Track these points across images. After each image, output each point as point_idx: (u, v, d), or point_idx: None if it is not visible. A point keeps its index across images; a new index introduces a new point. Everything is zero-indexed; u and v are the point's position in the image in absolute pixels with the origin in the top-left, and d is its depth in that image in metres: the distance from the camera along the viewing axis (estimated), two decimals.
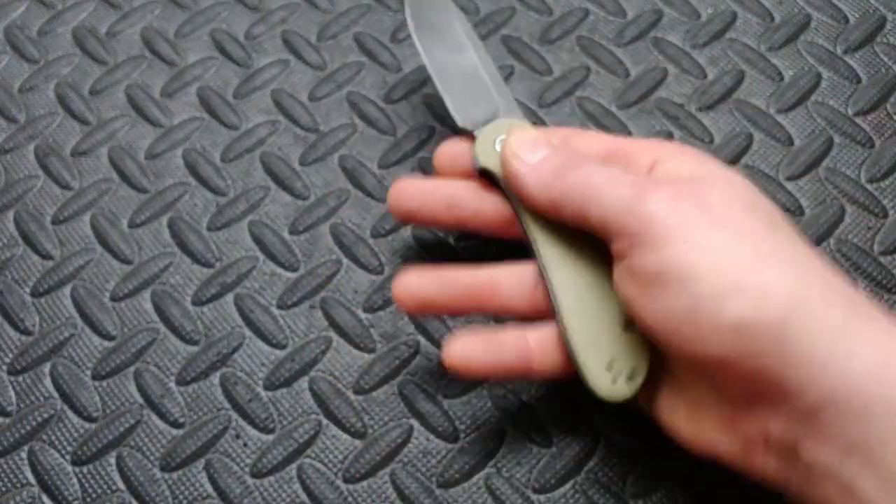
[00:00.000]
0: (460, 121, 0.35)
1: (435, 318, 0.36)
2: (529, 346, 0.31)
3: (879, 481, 0.24)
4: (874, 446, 0.24)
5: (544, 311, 0.32)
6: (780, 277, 0.26)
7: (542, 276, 0.32)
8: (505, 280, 0.32)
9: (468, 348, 0.31)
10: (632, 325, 0.30)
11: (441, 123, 0.40)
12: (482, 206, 0.34)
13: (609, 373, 0.30)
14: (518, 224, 0.33)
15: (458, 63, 0.37)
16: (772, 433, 0.26)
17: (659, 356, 0.30)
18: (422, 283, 0.32)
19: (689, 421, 0.29)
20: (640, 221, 0.28)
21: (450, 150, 0.35)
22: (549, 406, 0.34)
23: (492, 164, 0.33)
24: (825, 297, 0.26)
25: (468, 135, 0.34)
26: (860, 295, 0.27)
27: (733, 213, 0.28)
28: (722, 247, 0.27)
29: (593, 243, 0.31)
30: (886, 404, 0.24)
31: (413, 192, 0.34)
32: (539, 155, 0.31)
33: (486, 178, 0.34)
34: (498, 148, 0.33)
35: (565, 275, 0.31)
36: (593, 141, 0.33)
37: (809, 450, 0.26)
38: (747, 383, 0.26)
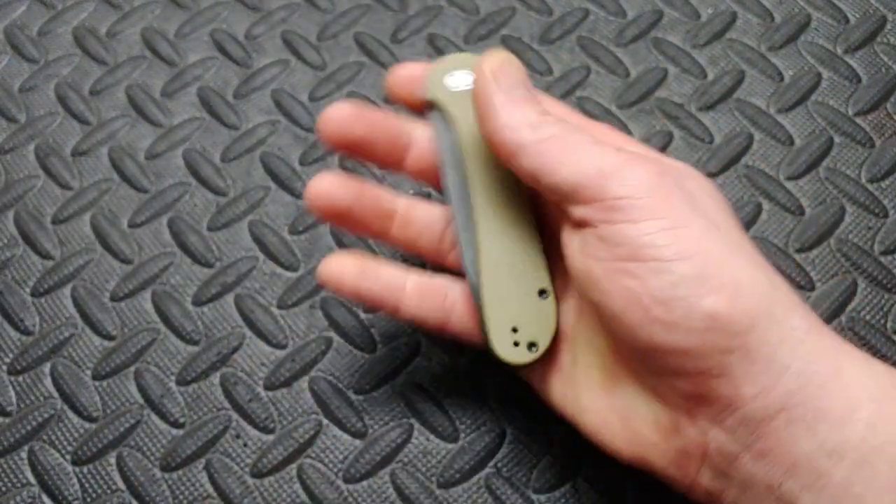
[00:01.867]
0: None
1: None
2: (405, 286, 0.31)
3: (822, 501, 0.24)
4: (820, 461, 0.24)
5: (445, 262, 0.32)
6: (754, 275, 0.26)
7: (458, 227, 0.31)
8: (420, 216, 0.32)
9: (344, 271, 0.31)
10: (545, 293, 0.30)
11: None
12: (419, 153, 0.32)
13: (512, 335, 0.30)
14: (444, 169, 0.31)
15: None
16: (711, 444, 0.25)
17: (593, 350, 0.29)
18: (339, 191, 0.31)
19: (622, 427, 0.28)
20: (624, 188, 0.26)
21: (403, 72, 0.32)
22: (550, 406, 0.34)
23: (440, 95, 0.31)
24: (789, 303, 0.26)
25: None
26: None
27: (708, 203, 0.27)
28: (703, 234, 0.26)
29: (527, 206, 0.30)
30: (837, 414, 0.24)
31: (348, 113, 0.31)
32: (518, 92, 0.29)
33: (429, 109, 0.31)
34: (448, 83, 0.31)
35: (491, 230, 0.30)
36: (565, 114, 0.31)
37: (749, 465, 0.25)
38: (700, 382, 0.25)
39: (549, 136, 0.27)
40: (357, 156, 0.32)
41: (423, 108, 0.32)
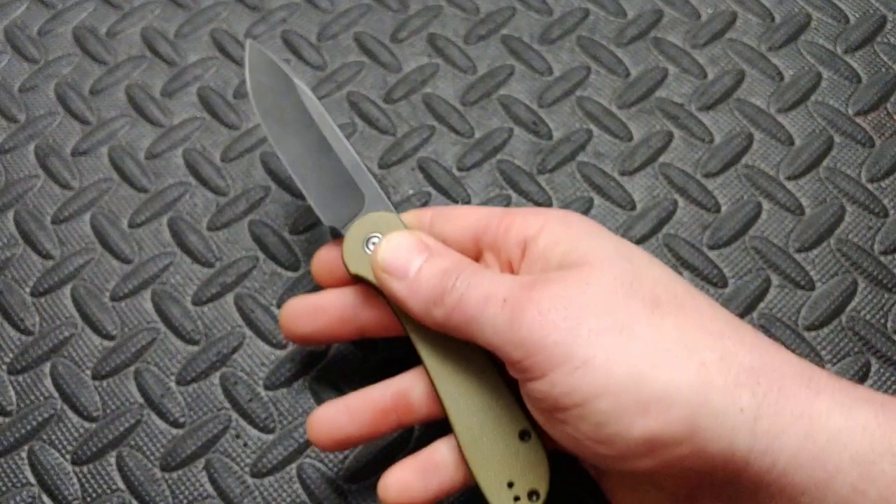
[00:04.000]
0: (325, 220, 0.32)
1: None
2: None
3: None
4: None
5: None
6: (676, 379, 0.24)
7: (433, 385, 0.30)
8: (416, 390, 0.30)
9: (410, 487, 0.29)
10: (528, 434, 0.29)
11: (440, 122, 0.40)
12: (379, 310, 0.31)
13: (510, 491, 0.28)
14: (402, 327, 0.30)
15: (316, 153, 0.33)
16: None
17: None
18: (334, 417, 0.30)
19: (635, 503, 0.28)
20: (519, 349, 0.26)
21: (325, 258, 0.33)
22: None
23: (363, 270, 0.30)
24: (729, 383, 0.24)
25: (338, 235, 0.32)
26: (773, 352, 0.26)
27: (614, 304, 0.26)
28: (610, 355, 0.25)
29: (479, 351, 0.29)
30: (817, 485, 0.24)
31: (303, 313, 0.32)
32: (413, 266, 0.29)
33: (362, 282, 0.31)
34: (368, 250, 0.31)
35: (453, 385, 0.29)
36: (461, 220, 0.31)
37: None
38: (680, 482, 0.26)
39: (450, 308, 0.28)
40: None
41: (356, 282, 0.31)
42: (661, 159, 0.39)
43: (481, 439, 0.29)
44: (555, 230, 0.29)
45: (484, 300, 0.27)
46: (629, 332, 0.25)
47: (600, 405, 0.25)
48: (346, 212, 0.32)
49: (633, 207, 0.38)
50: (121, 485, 0.33)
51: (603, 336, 0.25)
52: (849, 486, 0.23)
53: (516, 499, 0.28)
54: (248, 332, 0.36)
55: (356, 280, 0.31)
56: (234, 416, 0.34)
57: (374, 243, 0.31)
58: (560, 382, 0.25)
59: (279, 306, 0.36)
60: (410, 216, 0.32)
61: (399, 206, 0.38)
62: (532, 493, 0.29)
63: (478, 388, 0.29)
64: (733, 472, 0.24)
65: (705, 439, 0.24)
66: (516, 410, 0.29)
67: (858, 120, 0.39)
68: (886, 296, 0.35)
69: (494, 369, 0.29)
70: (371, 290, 0.31)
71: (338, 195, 0.32)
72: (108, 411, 0.34)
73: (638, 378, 0.25)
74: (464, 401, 0.29)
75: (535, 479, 0.29)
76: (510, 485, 0.28)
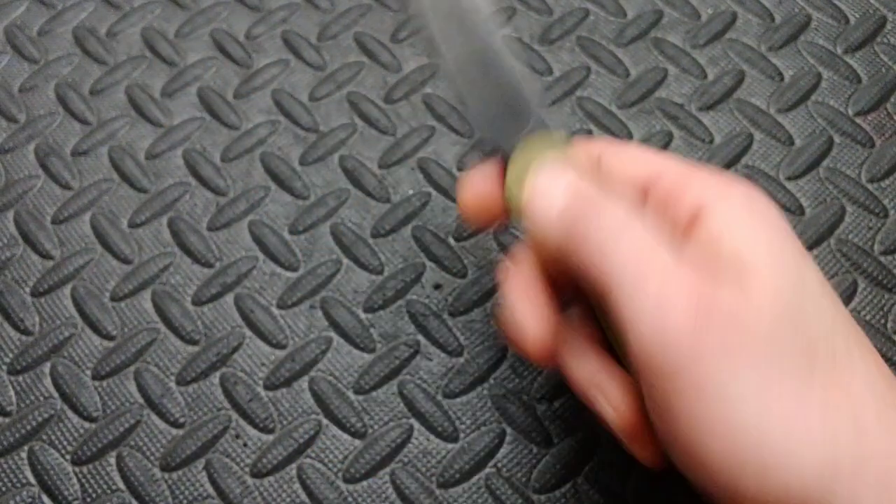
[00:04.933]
0: (490, 139, 0.28)
1: (435, 318, 0.36)
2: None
3: None
4: None
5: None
6: (815, 444, 0.22)
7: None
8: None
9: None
10: None
11: (440, 122, 0.40)
12: None
13: None
14: None
15: (484, 61, 0.29)
16: None
17: None
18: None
19: None
20: (661, 352, 0.23)
21: (477, 186, 0.29)
22: (550, 406, 0.34)
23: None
24: (856, 470, 0.22)
25: (497, 156, 0.28)
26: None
27: (773, 336, 0.23)
28: (758, 394, 0.22)
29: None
30: None
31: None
32: (557, 204, 0.26)
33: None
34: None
35: None
36: (631, 163, 0.27)
37: None
38: None
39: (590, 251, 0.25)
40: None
41: (509, 220, 0.28)
42: None
43: None
44: (735, 214, 0.25)
45: (636, 264, 0.24)
46: (783, 377, 0.23)
47: (742, 441, 0.23)
48: (510, 130, 0.28)
49: None
50: (121, 485, 0.33)
51: (755, 370, 0.23)
52: None
53: None
54: (248, 333, 0.36)
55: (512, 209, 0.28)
56: (234, 416, 0.34)
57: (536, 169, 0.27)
58: (705, 404, 0.23)
59: (279, 306, 0.36)
60: (578, 147, 0.29)
61: (399, 206, 0.38)
62: None
63: None
64: None
65: None
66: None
67: (858, 120, 0.39)
68: (886, 296, 0.35)
69: None
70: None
71: (505, 112, 0.28)
72: (108, 411, 0.34)
73: (781, 430, 0.23)
74: None
75: None
76: None
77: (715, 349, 0.23)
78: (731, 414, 0.22)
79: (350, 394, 0.34)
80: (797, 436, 0.22)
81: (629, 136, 0.39)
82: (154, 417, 0.34)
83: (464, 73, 0.29)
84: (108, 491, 0.33)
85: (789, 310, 0.23)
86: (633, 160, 0.28)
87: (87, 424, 0.34)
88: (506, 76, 0.29)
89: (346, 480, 0.33)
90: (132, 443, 0.34)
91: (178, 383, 0.35)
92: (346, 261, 0.37)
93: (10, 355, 0.35)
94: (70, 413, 0.34)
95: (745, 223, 0.24)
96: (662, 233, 0.25)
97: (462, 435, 0.33)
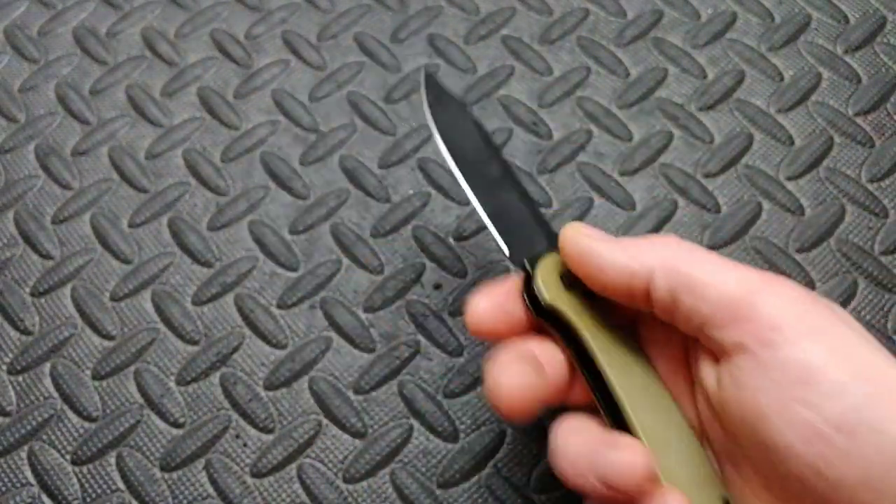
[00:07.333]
0: (516, 256, 0.30)
1: (435, 318, 0.36)
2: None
3: None
4: None
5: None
6: None
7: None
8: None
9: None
10: (728, 503, 0.26)
11: None
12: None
13: None
14: (581, 371, 0.28)
15: (501, 194, 0.31)
16: None
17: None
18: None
19: None
20: (778, 309, 0.24)
21: (486, 305, 0.29)
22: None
23: (560, 300, 0.28)
24: None
25: (523, 272, 0.29)
26: None
27: (857, 327, 0.24)
28: (870, 354, 0.23)
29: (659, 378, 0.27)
30: None
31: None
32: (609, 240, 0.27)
33: (546, 320, 0.28)
34: (562, 285, 0.28)
35: (653, 439, 0.26)
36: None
37: None
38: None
39: (673, 255, 0.25)
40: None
41: (532, 323, 0.29)
42: (662, 159, 0.39)
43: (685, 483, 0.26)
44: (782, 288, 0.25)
45: (718, 258, 0.25)
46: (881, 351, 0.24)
47: (863, 388, 0.23)
48: (533, 247, 0.30)
49: (634, 208, 0.38)
50: (121, 485, 0.33)
51: (862, 338, 0.24)
52: None
53: None
54: (248, 333, 0.36)
55: (541, 318, 0.28)
56: (234, 416, 0.34)
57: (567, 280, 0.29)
58: (820, 353, 0.23)
59: (279, 306, 0.36)
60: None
61: (399, 206, 0.38)
62: None
63: (676, 440, 0.26)
64: None
65: None
66: (714, 475, 0.26)
67: (858, 120, 0.39)
68: (886, 296, 0.35)
69: (693, 432, 0.27)
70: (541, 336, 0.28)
71: (523, 230, 0.30)
72: (108, 411, 0.34)
73: (880, 399, 0.23)
74: (665, 455, 0.26)
75: None
76: None
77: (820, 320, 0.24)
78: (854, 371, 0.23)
79: (350, 394, 0.34)
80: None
81: (629, 136, 0.39)
82: (154, 417, 0.34)
83: (486, 202, 0.31)
84: (108, 491, 0.33)
85: (848, 323, 0.24)
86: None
87: (87, 424, 0.34)
88: (519, 201, 0.31)
89: (346, 480, 0.33)
90: (132, 443, 0.34)
91: (178, 383, 0.35)
92: (346, 261, 0.37)
93: (10, 355, 0.35)
94: (70, 413, 0.34)
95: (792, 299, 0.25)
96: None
97: (462, 435, 0.33)
